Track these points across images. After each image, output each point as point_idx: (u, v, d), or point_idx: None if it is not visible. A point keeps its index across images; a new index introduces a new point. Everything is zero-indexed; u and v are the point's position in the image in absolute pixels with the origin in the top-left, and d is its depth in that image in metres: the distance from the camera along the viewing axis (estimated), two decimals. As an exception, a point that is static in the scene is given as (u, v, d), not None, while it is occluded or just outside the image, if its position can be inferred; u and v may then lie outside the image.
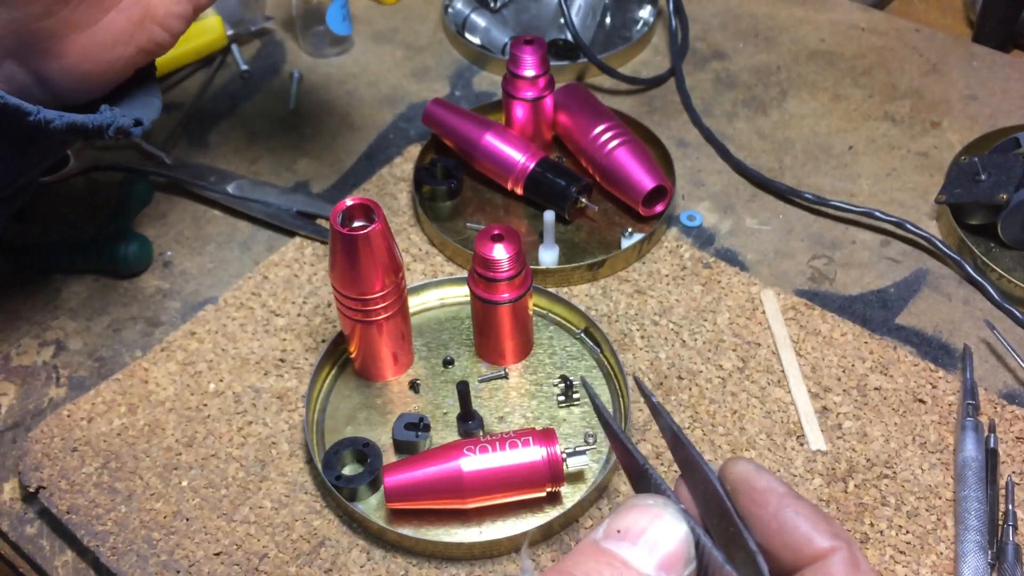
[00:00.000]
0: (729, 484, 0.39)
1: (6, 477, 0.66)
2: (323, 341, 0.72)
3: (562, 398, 0.67)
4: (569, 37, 0.92)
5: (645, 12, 1.00)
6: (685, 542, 0.35)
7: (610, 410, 0.66)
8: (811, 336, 0.71)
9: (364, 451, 0.63)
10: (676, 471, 0.43)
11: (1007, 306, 0.72)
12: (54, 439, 0.66)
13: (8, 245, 0.77)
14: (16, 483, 0.65)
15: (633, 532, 0.35)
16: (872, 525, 0.61)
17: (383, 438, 0.65)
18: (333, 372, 0.69)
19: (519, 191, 0.79)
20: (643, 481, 0.40)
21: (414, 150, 0.86)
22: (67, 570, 0.62)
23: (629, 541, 0.35)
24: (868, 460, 0.64)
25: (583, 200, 0.77)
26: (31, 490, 0.63)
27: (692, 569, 0.35)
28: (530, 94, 0.79)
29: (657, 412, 0.41)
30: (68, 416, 0.67)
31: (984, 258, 0.74)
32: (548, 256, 0.75)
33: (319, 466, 0.62)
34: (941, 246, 0.76)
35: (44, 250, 0.77)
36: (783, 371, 0.69)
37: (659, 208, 0.78)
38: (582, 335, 0.71)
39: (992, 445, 0.63)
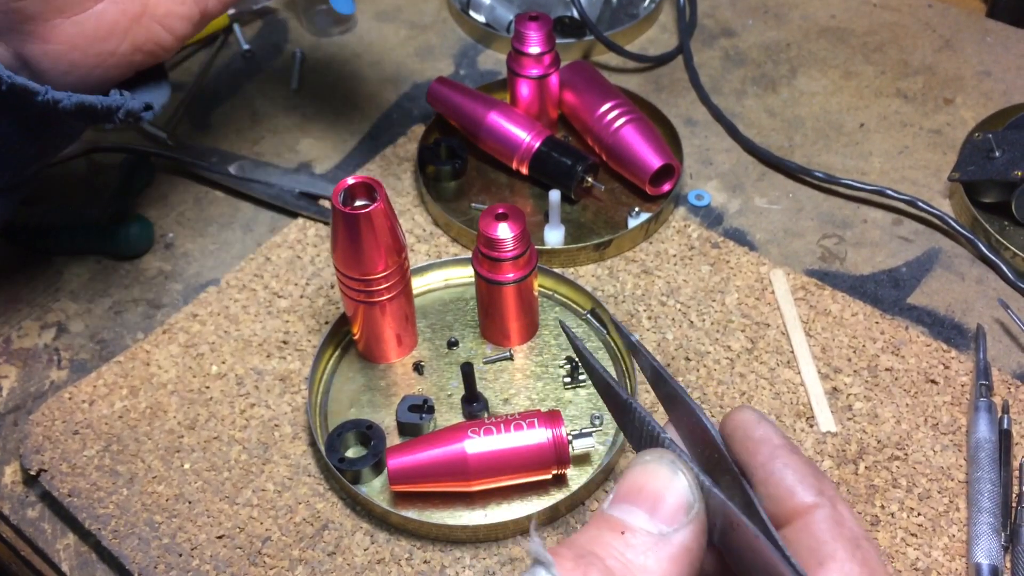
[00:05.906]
0: (727, 431, 0.40)
1: (7, 460, 0.65)
2: (326, 323, 0.71)
3: (568, 379, 0.66)
4: (575, 14, 0.91)
5: (652, -11, 0.98)
6: (684, 492, 0.36)
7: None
8: (821, 316, 0.69)
9: (367, 433, 0.62)
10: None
11: (1021, 285, 0.71)
12: (55, 422, 0.65)
13: (9, 227, 0.76)
14: (17, 466, 0.65)
15: (633, 493, 0.36)
16: (883, 507, 0.60)
17: (387, 420, 0.64)
18: (336, 354, 0.69)
19: (524, 171, 0.78)
20: (626, 415, 0.41)
21: (418, 130, 0.85)
22: (69, 553, 0.61)
23: (630, 503, 0.36)
24: (879, 441, 0.63)
25: (589, 179, 0.76)
26: (32, 473, 0.63)
27: (696, 511, 0.36)
28: (535, 72, 0.78)
29: (636, 350, 0.42)
30: (69, 399, 0.67)
31: (998, 236, 0.73)
32: (554, 236, 0.74)
33: (322, 448, 0.62)
34: (954, 224, 0.74)
35: (45, 232, 0.76)
36: (792, 352, 0.68)
37: (666, 187, 0.77)
38: (588, 316, 0.70)
39: (1006, 426, 0.62)
